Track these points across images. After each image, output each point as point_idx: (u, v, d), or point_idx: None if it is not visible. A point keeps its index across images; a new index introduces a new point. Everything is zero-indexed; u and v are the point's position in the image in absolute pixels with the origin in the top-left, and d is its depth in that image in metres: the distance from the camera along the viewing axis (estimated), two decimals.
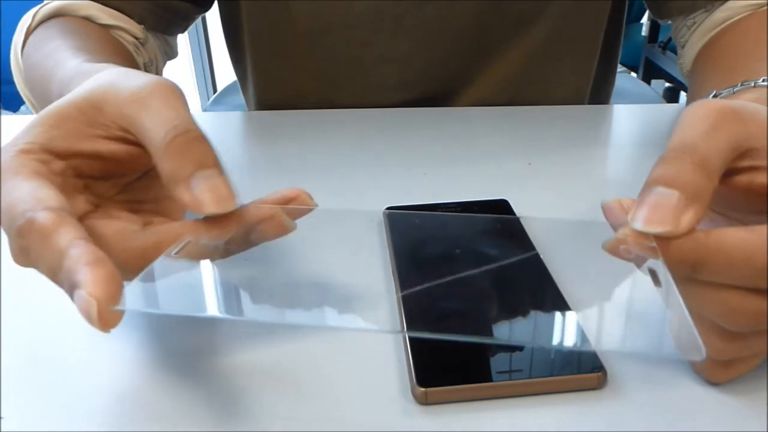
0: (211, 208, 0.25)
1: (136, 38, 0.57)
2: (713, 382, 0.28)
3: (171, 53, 0.65)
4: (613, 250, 0.24)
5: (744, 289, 0.24)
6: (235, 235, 0.26)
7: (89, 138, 0.27)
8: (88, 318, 0.22)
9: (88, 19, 0.55)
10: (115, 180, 0.30)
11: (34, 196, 0.24)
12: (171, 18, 0.61)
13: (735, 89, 0.37)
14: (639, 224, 0.23)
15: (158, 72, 0.62)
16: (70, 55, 0.43)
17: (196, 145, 0.26)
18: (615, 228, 0.25)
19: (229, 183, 0.26)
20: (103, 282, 0.22)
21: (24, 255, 0.25)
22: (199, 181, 0.25)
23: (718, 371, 0.27)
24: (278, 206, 0.27)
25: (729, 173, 0.26)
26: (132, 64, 0.55)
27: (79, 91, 0.28)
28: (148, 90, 0.27)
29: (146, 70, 0.58)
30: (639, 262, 0.24)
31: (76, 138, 0.27)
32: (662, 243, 0.23)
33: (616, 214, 0.25)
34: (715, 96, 0.38)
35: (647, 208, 0.24)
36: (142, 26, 0.57)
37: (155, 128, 0.26)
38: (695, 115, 0.25)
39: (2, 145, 0.27)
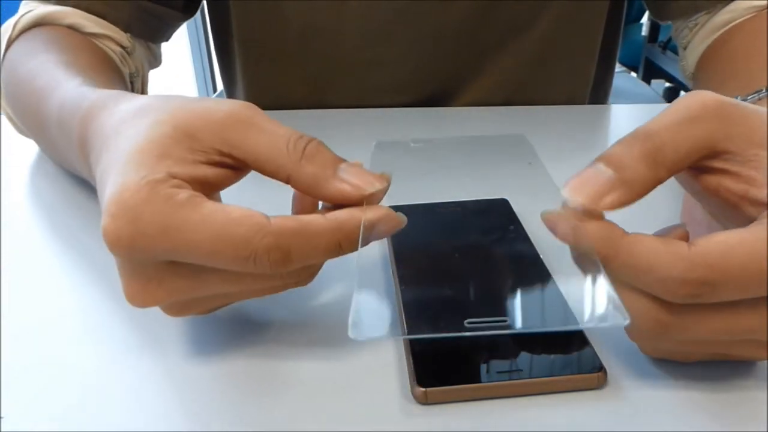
0: (375, 185, 0.28)
1: (123, 47, 0.55)
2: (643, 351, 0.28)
3: (155, 62, 0.63)
4: (547, 222, 0.25)
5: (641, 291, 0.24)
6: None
7: (196, 164, 0.27)
8: None
9: (72, 27, 0.53)
10: None
11: (241, 214, 0.25)
12: (156, 25, 0.60)
13: (761, 94, 0.36)
14: (565, 191, 0.24)
15: (144, 82, 0.60)
16: (63, 73, 0.42)
17: (323, 149, 0.28)
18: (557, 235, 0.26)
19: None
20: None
21: (280, 265, 0.25)
22: (346, 173, 0.27)
23: (645, 341, 0.27)
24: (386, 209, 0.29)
25: (702, 171, 0.25)
26: (118, 76, 0.53)
27: (155, 125, 0.27)
28: (241, 113, 0.27)
29: (131, 81, 0.57)
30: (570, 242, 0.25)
31: (190, 164, 0.26)
32: (580, 225, 0.24)
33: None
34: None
35: (578, 179, 0.25)
36: (129, 35, 0.56)
37: (270, 145, 0.27)
38: (679, 103, 0.25)
39: (108, 199, 0.25)
